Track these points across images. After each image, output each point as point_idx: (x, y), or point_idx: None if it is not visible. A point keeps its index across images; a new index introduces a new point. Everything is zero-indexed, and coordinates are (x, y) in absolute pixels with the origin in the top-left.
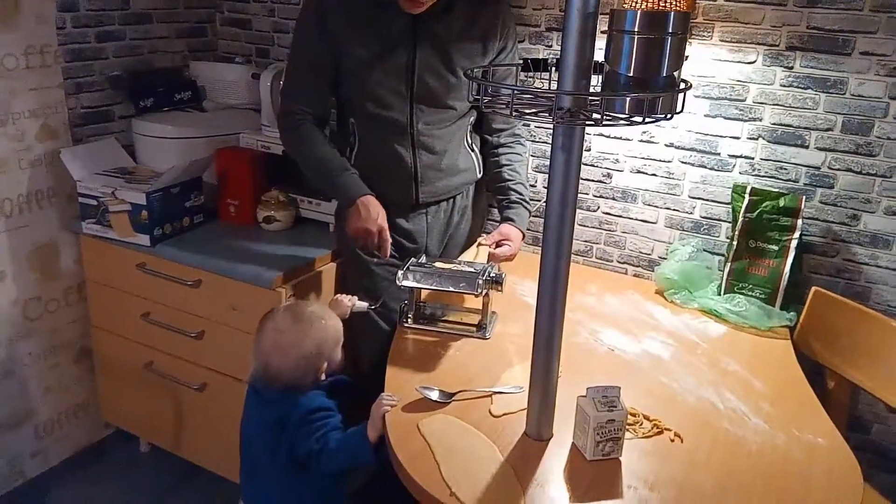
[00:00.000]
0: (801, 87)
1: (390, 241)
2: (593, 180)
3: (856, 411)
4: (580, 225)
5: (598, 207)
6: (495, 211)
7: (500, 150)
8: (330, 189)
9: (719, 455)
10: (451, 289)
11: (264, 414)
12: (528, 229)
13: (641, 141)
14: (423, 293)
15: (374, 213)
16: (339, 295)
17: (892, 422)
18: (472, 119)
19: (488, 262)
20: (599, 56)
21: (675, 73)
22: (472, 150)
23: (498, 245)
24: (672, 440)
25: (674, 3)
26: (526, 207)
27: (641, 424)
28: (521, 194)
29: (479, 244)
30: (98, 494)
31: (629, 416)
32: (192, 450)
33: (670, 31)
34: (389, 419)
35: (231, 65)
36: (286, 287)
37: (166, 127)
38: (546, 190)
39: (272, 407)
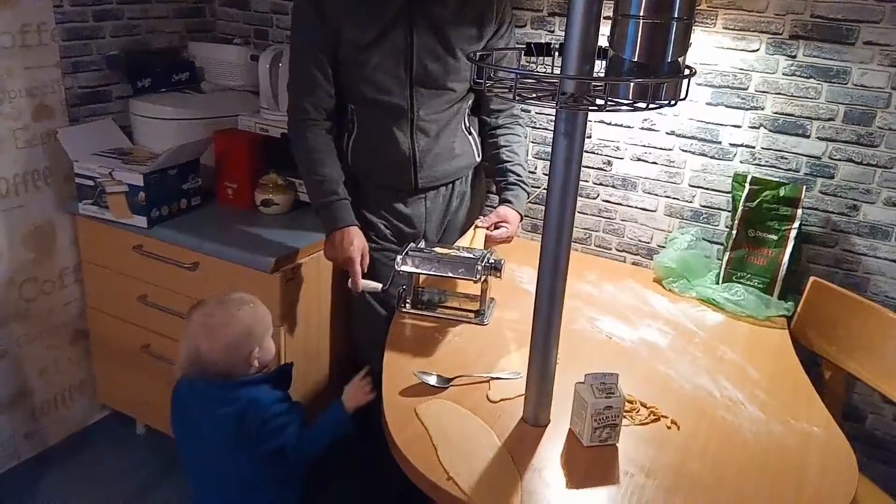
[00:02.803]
0: (803, 77)
1: (360, 276)
2: (593, 167)
3: (851, 401)
4: (579, 212)
5: (598, 195)
6: (494, 196)
7: (499, 132)
8: (318, 210)
9: (715, 443)
10: (450, 274)
11: (214, 410)
12: (528, 216)
13: (642, 129)
14: (422, 278)
15: (346, 243)
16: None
17: (886, 412)
18: (470, 102)
19: (485, 244)
20: (602, 41)
21: (679, 59)
22: (470, 134)
23: (495, 227)
24: (669, 427)
25: None
26: (524, 189)
27: (638, 411)
28: (518, 176)
29: (477, 226)
30: (94, 476)
31: (626, 403)
32: None
33: (676, 16)
34: (387, 403)
35: (229, 46)
36: (284, 271)
37: (164, 108)
38: (547, 176)
39: (223, 404)
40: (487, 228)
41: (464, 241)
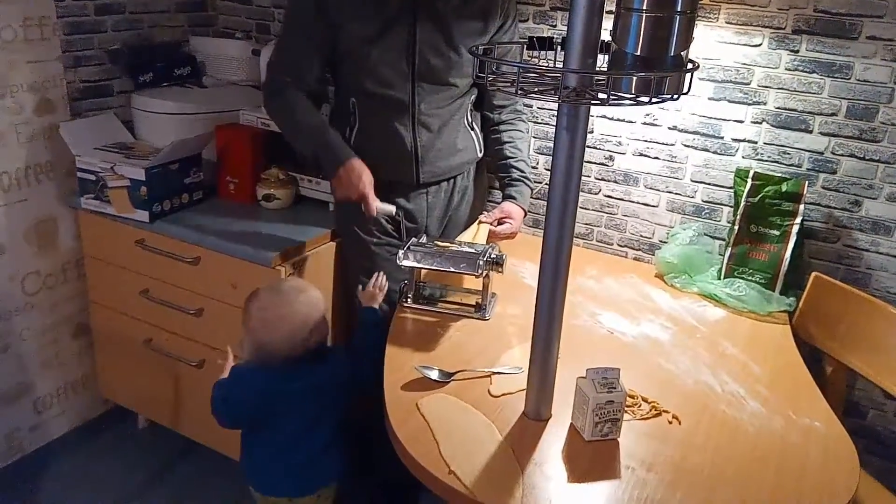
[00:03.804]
0: (806, 72)
1: (375, 203)
2: (595, 163)
3: (852, 397)
4: (581, 207)
5: (600, 190)
6: (496, 192)
7: (502, 128)
8: (314, 155)
9: (717, 437)
10: (452, 269)
11: (291, 386)
12: (530, 211)
13: (644, 124)
14: (423, 273)
15: (355, 179)
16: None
17: (888, 408)
18: (472, 97)
19: (488, 240)
20: (605, 35)
21: (682, 54)
22: (473, 130)
23: (499, 223)
24: (670, 422)
25: None
26: (528, 185)
27: (640, 406)
28: (522, 172)
29: (480, 221)
30: (96, 470)
31: (628, 398)
32: (190, 426)
33: (679, 9)
34: (388, 397)
35: (231, 40)
36: (285, 265)
37: (165, 102)
38: (548, 171)
39: (296, 380)
40: (491, 224)
41: (467, 237)
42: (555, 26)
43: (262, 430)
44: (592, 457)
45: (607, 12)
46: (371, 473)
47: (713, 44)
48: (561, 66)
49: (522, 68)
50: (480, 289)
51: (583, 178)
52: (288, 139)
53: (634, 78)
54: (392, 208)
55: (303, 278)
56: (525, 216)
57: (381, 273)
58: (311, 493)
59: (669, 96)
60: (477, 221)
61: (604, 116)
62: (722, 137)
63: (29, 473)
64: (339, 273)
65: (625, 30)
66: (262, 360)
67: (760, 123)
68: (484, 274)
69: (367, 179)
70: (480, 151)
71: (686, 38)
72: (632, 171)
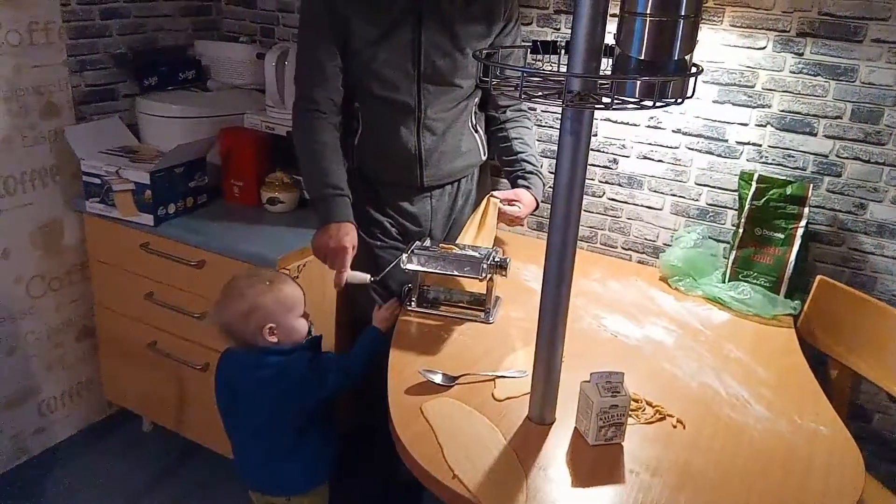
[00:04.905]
0: (810, 74)
1: (347, 269)
2: (599, 166)
3: (857, 400)
4: (585, 210)
5: (604, 193)
6: None
7: (509, 126)
8: (316, 200)
9: (721, 441)
10: (456, 273)
11: (254, 374)
12: (533, 214)
13: (648, 127)
14: (427, 277)
15: (342, 233)
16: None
17: (893, 411)
18: (476, 99)
19: (498, 218)
20: (609, 39)
21: (686, 57)
22: (477, 132)
23: (509, 203)
24: (674, 426)
25: None
26: (541, 179)
27: (644, 410)
28: (534, 165)
29: (492, 195)
30: (101, 473)
31: (632, 402)
32: (195, 429)
33: (683, 13)
34: (392, 401)
35: (236, 44)
36: (289, 269)
37: (170, 106)
38: (553, 175)
39: (259, 368)
40: (501, 201)
41: (477, 213)
42: (558, 30)
43: (237, 417)
44: (596, 461)
45: (611, 16)
46: (370, 474)
47: (717, 47)
48: (565, 70)
49: (526, 72)
50: (485, 292)
51: (587, 180)
52: (303, 175)
53: (638, 82)
54: (366, 277)
55: (306, 281)
56: (537, 208)
57: (397, 303)
58: (283, 494)
59: (673, 100)
60: (488, 195)
61: (608, 120)
62: (726, 140)
63: (34, 476)
64: None
65: (629, 33)
66: (228, 341)
67: (765, 126)
68: (488, 277)
69: (352, 239)
70: (485, 154)
71: (690, 42)
72: (636, 174)
